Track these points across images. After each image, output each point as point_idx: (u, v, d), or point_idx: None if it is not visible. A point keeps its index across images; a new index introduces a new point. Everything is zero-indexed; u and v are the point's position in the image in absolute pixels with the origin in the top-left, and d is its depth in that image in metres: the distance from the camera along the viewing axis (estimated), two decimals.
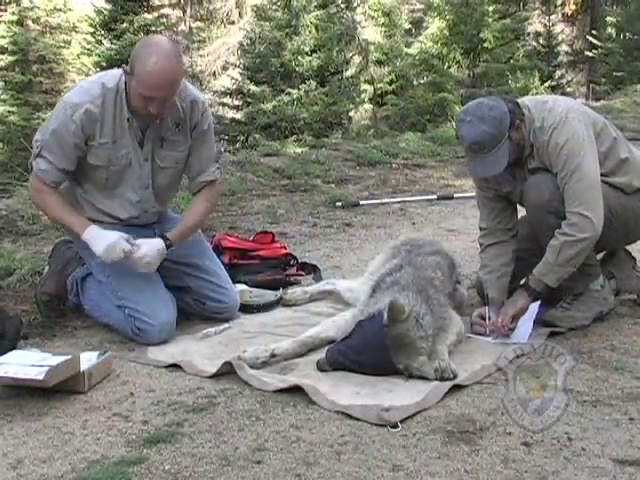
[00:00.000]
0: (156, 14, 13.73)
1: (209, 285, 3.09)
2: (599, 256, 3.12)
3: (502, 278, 3.00)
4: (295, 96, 12.37)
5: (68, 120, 2.80)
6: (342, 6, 14.21)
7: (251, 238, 4.00)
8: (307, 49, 12.93)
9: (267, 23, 13.10)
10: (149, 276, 2.93)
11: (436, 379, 2.43)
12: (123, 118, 2.85)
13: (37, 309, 3.16)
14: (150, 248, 2.87)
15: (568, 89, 17.55)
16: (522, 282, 2.96)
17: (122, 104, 2.84)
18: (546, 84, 15.11)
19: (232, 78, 13.50)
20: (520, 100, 2.93)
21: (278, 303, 3.34)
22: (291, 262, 3.87)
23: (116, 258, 2.82)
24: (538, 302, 2.87)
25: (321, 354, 2.59)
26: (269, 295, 3.36)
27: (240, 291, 3.34)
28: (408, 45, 15.64)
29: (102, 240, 2.82)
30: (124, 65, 2.81)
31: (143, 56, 2.72)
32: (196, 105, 2.96)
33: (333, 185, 6.20)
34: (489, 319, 2.89)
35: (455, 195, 5.83)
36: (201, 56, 18.65)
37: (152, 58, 2.69)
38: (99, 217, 2.99)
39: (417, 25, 17.97)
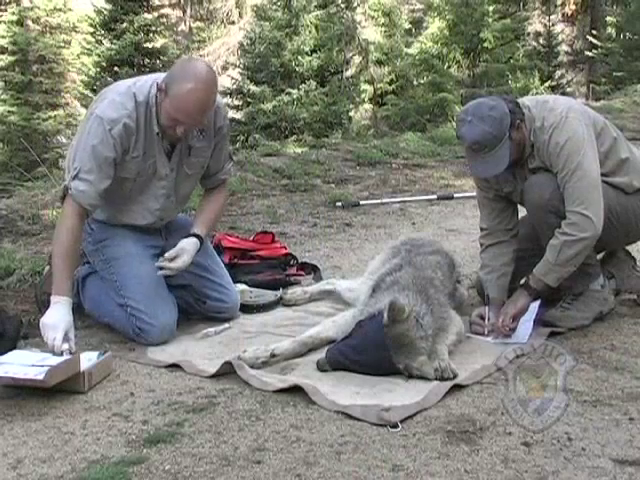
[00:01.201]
0: (156, 14, 13.75)
1: (211, 284, 3.09)
2: (599, 256, 3.12)
3: (502, 278, 3.00)
4: (295, 96, 12.39)
5: (107, 136, 2.74)
6: (342, 6, 14.23)
7: (251, 238, 4.00)
8: (307, 49, 12.95)
9: (267, 23, 13.12)
10: (153, 277, 2.93)
11: (436, 379, 2.42)
12: (153, 132, 2.84)
13: (37, 309, 3.16)
14: (190, 252, 2.89)
15: (568, 89, 17.57)
16: (522, 282, 2.96)
17: (152, 118, 2.82)
18: (546, 84, 15.12)
19: (232, 78, 13.52)
20: (520, 100, 2.93)
21: (278, 303, 3.33)
22: (291, 262, 3.87)
23: (45, 339, 2.55)
24: (538, 302, 2.87)
25: (321, 354, 2.59)
26: (269, 295, 3.36)
27: (240, 291, 3.34)
28: (408, 45, 15.66)
29: (51, 318, 2.57)
30: (158, 81, 2.78)
31: (181, 79, 2.69)
32: (219, 110, 2.97)
33: (333, 185, 6.20)
34: (488, 319, 2.89)
35: (455, 195, 5.83)
36: (201, 56, 18.63)
37: (189, 84, 2.67)
38: (112, 222, 2.99)
39: (417, 25, 18.00)
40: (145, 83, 2.85)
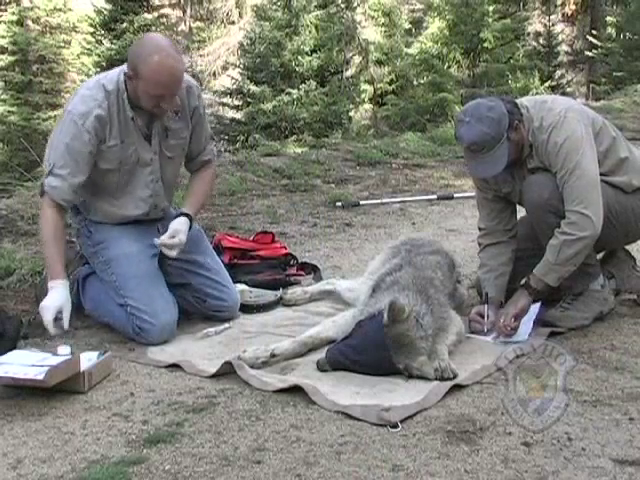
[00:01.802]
0: (156, 14, 13.76)
1: (210, 283, 3.09)
2: (599, 256, 3.12)
3: (500, 278, 3.00)
4: (295, 96, 12.39)
5: (80, 130, 2.78)
6: (342, 6, 14.23)
7: (251, 238, 4.00)
8: (307, 49, 12.95)
9: (267, 23, 13.12)
10: (152, 276, 2.94)
11: (436, 379, 2.42)
12: (127, 118, 2.86)
13: (37, 309, 3.16)
14: (183, 229, 2.92)
15: (568, 89, 17.56)
16: (522, 282, 2.96)
17: (124, 104, 2.85)
18: (546, 84, 15.12)
19: (232, 78, 13.52)
20: (519, 100, 2.93)
21: (278, 303, 3.33)
22: (291, 262, 3.87)
23: (45, 321, 2.69)
24: (539, 303, 2.87)
25: (321, 354, 2.59)
26: (269, 295, 3.36)
27: (240, 291, 3.34)
28: (408, 45, 15.66)
29: (46, 302, 2.69)
30: (125, 69, 2.81)
31: (144, 57, 2.72)
32: (191, 90, 2.98)
33: (333, 185, 6.20)
34: (487, 317, 2.89)
35: (455, 195, 5.83)
36: (201, 56, 18.66)
37: (154, 57, 2.70)
38: (107, 219, 3.01)
39: (417, 25, 18.00)
40: (113, 73, 2.89)
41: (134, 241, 2.98)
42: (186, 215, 2.98)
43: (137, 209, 3.02)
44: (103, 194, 2.97)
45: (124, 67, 2.86)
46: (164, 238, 2.89)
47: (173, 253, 2.90)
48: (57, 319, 2.69)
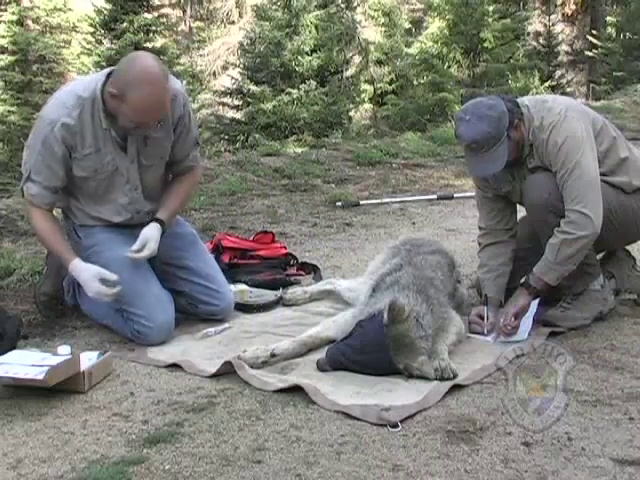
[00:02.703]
0: (156, 14, 13.74)
1: (201, 289, 3.07)
2: (599, 256, 3.12)
3: (500, 278, 3.00)
4: (295, 96, 12.38)
5: (50, 135, 2.78)
6: (342, 6, 14.22)
7: (251, 238, 4.00)
8: (307, 49, 12.94)
9: (267, 23, 13.11)
10: (146, 278, 2.93)
11: (436, 379, 2.42)
12: (101, 127, 2.83)
13: (37, 309, 3.16)
14: (154, 237, 2.90)
15: (568, 89, 17.55)
16: (522, 280, 2.96)
17: (99, 114, 2.81)
18: (546, 84, 15.12)
19: (232, 78, 13.51)
20: (519, 99, 2.93)
21: (278, 303, 3.33)
22: (291, 262, 3.87)
23: (98, 293, 2.81)
24: (537, 300, 2.87)
25: (321, 354, 2.59)
26: (269, 295, 3.36)
27: (240, 291, 3.34)
28: (408, 45, 15.65)
29: (85, 284, 2.81)
30: (109, 87, 2.73)
31: (134, 84, 2.66)
32: (176, 99, 2.90)
33: (333, 185, 6.20)
34: (487, 318, 2.89)
35: (455, 195, 5.83)
36: (201, 56, 18.66)
37: (147, 88, 2.66)
38: (93, 222, 3.00)
39: (417, 25, 17.99)
40: (90, 80, 2.87)
41: (124, 244, 2.93)
42: (158, 220, 2.95)
43: (119, 216, 3.00)
44: (85, 199, 2.97)
45: (101, 76, 2.81)
46: (134, 248, 2.88)
47: (141, 260, 2.90)
48: (104, 282, 2.78)
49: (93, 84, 2.81)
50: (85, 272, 2.81)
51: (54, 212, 2.99)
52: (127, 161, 2.92)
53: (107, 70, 2.87)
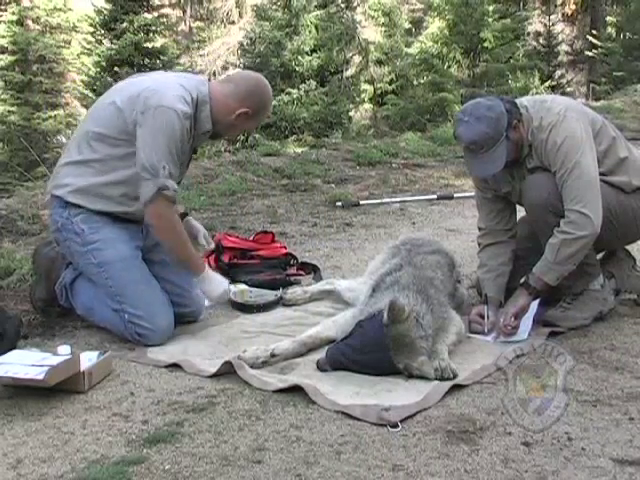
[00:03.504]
0: (156, 14, 13.72)
1: (173, 288, 3.03)
2: (599, 256, 3.12)
3: (500, 278, 3.00)
4: (295, 96, 12.39)
5: (182, 125, 2.78)
6: (342, 6, 14.23)
7: (251, 238, 4.00)
8: (307, 49, 12.96)
9: (267, 23, 13.12)
10: (148, 280, 2.92)
11: (436, 379, 2.42)
12: (196, 129, 2.90)
13: (36, 312, 3.16)
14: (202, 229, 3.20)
15: (568, 89, 17.56)
16: (521, 281, 2.96)
17: (199, 118, 2.88)
18: (546, 84, 15.12)
19: None
20: (518, 100, 2.93)
21: (278, 303, 3.33)
22: (291, 262, 3.87)
23: (222, 301, 3.15)
24: (537, 300, 2.87)
25: (321, 354, 2.59)
26: (269, 295, 3.36)
27: (240, 291, 3.35)
28: (408, 45, 15.65)
29: (217, 287, 3.01)
30: (239, 104, 2.90)
31: (265, 105, 3.03)
32: None
33: (333, 185, 6.20)
34: (488, 318, 2.89)
35: (455, 195, 5.83)
36: (201, 56, 18.63)
37: (269, 109, 3.11)
38: (107, 208, 2.90)
39: (417, 25, 18.00)
40: (189, 84, 2.88)
41: (127, 244, 2.93)
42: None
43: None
44: (126, 185, 2.89)
45: (201, 82, 2.93)
46: (209, 248, 3.27)
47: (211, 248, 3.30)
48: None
49: (194, 86, 2.88)
50: (222, 281, 3.05)
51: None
52: (189, 160, 3.08)
53: (203, 77, 3.05)
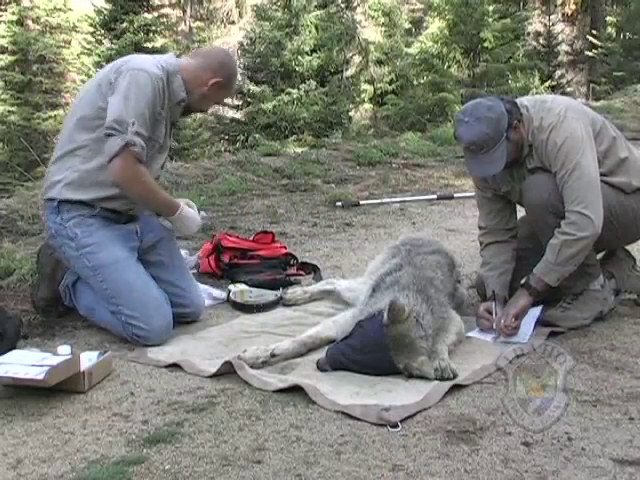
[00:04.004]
0: (156, 14, 13.73)
1: (172, 289, 3.03)
2: (599, 256, 3.12)
3: (503, 275, 2.99)
4: (295, 96, 12.39)
5: (155, 92, 2.80)
6: (342, 6, 14.23)
7: (251, 238, 4.00)
8: (307, 49, 12.95)
9: (267, 23, 13.12)
10: (143, 281, 2.91)
11: (436, 379, 2.42)
12: (169, 101, 2.92)
13: (36, 311, 3.16)
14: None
15: (568, 89, 17.57)
16: (522, 282, 2.96)
17: (171, 88, 2.91)
18: (546, 84, 15.12)
19: None
20: (519, 100, 2.93)
21: (278, 303, 3.33)
22: (291, 262, 3.87)
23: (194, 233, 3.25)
24: (541, 307, 2.87)
25: (321, 354, 2.59)
26: (269, 295, 3.36)
27: (240, 291, 3.35)
28: (408, 45, 15.65)
29: (192, 223, 3.00)
30: (212, 76, 2.94)
31: (234, 74, 3.15)
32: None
33: (333, 185, 6.20)
34: (496, 314, 2.87)
35: (455, 195, 5.83)
36: None
37: (237, 75, 3.23)
38: (99, 195, 2.88)
39: (417, 25, 17.99)
40: (158, 58, 2.96)
41: (121, 246, 2.92)
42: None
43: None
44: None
45: (171, 58, 2.98)
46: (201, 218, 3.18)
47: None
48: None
49: (164, 60, 2.95)
50: (195, 216, 3.01)
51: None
52: (165, 143, 3.02)
53: (171, 54, 3.07)
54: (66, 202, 2.89)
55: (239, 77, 13.06)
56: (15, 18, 15.13)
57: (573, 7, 20.27)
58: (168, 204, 2.94)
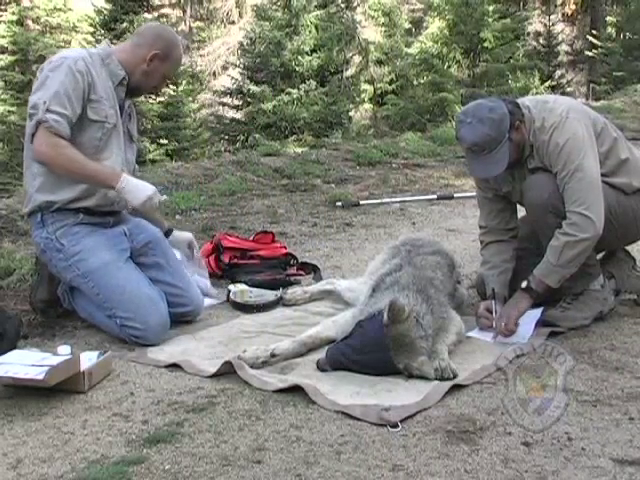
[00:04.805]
0: (156, 14, 13.72)
1: (170, 289, 3.03)
2: (599, 256, 3.12)
3: (503, 274, 2.99)
4: (295, 96, 12.39)
5: (72, 71, 2.82)
6: (342, 6, 14.23)
7: (251, 238, 4.00)
8: (307, 49, 12.95)
9: (267, 23, 13.12)
10: (134, 281, 2.91)
11: (436, 379, 2.42)
12: (108, 82, 2.95)
13: (35, 312, 3.16)
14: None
15: (568, 89, 17.57)
16: (523, 283, 2.95)
17: (110, 69, 2.95)
18: (546, 84, 15.12)
19: (232, 78, 13.52)
20: (520, 100, 2.93)
21: (278, 303, 3.33)
22: (291, 262, 3.87)
23: (149, 209, 2.93)
24: (541, 308, 2.87)
25: (321, 354, 2.59)
26: (269, 295, 3.36)
27: (240, 291, 3.35)
28: (408, 45, 15.66)
29: (140, 192, 2.84)
30: (148, 50, 2.96)
31: (176, 43, 3.07)
32: None
33: (333, 185, 6.21)
34: (496, 312, 2.87)
35: (455, 195, 5.84)
36: (201, 56, 18.65)
37: (180, 45, 3.10)
38: (77, 195, 2.89)
39: (417, 25, 18.00)
40: (88, 49, 3.07)
41: (109, 249, 2.92)
42: None
43: (105, 198, 2.96)
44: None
45: (102, 45, 3.09)
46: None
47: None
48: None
49: (95, 49, 3.04)
50: (146, 187, 2.85)
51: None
52: (120, 124, 3.01)
53: (104, 42, 3.19)
54: (47, 211, 2.90)
55: (239, 77, 13.09)
56: (15, 18, 15.13)
57: (573, 7, 20.27)
58: (105, 174, 2.84)
